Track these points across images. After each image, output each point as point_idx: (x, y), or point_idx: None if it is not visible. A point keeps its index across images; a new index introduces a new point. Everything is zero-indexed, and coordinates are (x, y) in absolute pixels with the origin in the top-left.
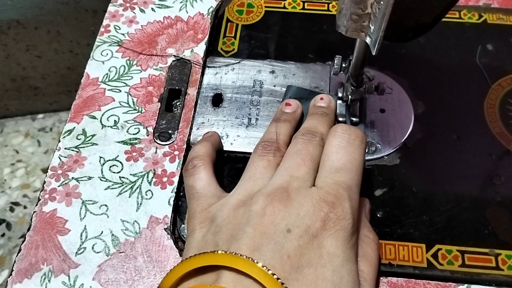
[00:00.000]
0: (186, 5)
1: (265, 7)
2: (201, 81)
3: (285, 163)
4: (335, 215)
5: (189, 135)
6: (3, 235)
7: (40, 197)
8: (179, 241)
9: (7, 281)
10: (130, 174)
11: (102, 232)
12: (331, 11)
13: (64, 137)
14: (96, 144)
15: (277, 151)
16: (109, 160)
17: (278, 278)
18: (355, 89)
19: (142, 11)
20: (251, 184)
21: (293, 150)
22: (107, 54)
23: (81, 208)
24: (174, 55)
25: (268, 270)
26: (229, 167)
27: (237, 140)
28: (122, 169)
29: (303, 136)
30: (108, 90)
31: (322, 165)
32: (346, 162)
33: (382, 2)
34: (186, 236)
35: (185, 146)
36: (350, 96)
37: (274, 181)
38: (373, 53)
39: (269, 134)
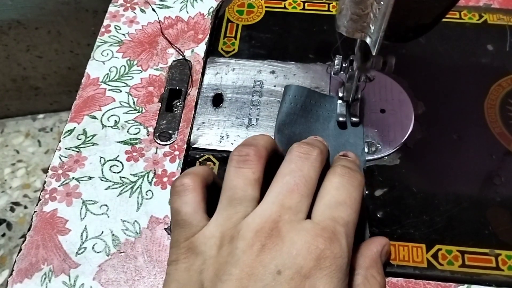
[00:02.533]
0: (186, 5)
1: (266, 7)
2: (201, 81)
3: (276, 186)
4: (332, 253)
5: (190, 135)
6: (3, 235)
7: (40, 197)
8: None
9: (7, 281)
10: (131, 174)
11: (102, 232)
12: (332, 12)
13: (64, 137)
14: (97, 144)
15: (255, 159)
16: (110, 160)
17: None
18: (363, 64)
19: (142, 11)
20: (232, 211)
21: (286, 169)
22: (107, 54)
23: (81, 208)
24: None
25: None
26: None
27: (238, 140)
28: (122, 169)
29: (299, 148)
30: (109, 90)
31: (320, 198)
32: (346, 198)
33: (382, 3)
34: (167, 263)
35: (185, 146)
36: (357, 72)
37: (263, 210)
38: (373, 53)
39: (247, 139)
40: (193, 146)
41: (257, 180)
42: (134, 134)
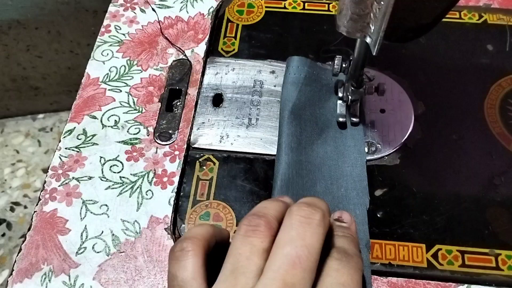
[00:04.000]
0: (186, 5)
1: (266, 7)
2: (201, 81)
3: (276, 260)
4: None
5: (190, 135)
6: (3, 235)
7: (40, 197)
8: None
9: (7, 281)
10: (131, 174)
11: (102, 232)
12: (332, 11)
13: (64, 137)
14: (97, 144)
15: (266, 230)
16: (110, 160)
17: None
18: (355, 90)
19: (142, 11)
20: (233, 283)
21: (286, 237)
22: (107, 54)
23: (81, 208)
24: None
25: None
26: (229, 168)
27: (238, 140)
28: (122, 169)
29: (299, 211)
30: (109, 90)
31: (320, 281)
32: (348, 279)
33: (382, 3)
34: None
35: (185, 146)
36: (350, 97)
37: (264, 286)
38: (374, 53)
39: (258, 207)
40: (193, 146)
41: (265, 250)
42: (134, 134)
